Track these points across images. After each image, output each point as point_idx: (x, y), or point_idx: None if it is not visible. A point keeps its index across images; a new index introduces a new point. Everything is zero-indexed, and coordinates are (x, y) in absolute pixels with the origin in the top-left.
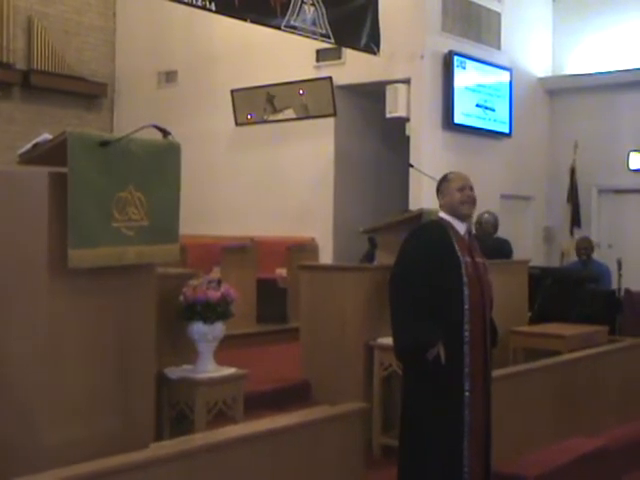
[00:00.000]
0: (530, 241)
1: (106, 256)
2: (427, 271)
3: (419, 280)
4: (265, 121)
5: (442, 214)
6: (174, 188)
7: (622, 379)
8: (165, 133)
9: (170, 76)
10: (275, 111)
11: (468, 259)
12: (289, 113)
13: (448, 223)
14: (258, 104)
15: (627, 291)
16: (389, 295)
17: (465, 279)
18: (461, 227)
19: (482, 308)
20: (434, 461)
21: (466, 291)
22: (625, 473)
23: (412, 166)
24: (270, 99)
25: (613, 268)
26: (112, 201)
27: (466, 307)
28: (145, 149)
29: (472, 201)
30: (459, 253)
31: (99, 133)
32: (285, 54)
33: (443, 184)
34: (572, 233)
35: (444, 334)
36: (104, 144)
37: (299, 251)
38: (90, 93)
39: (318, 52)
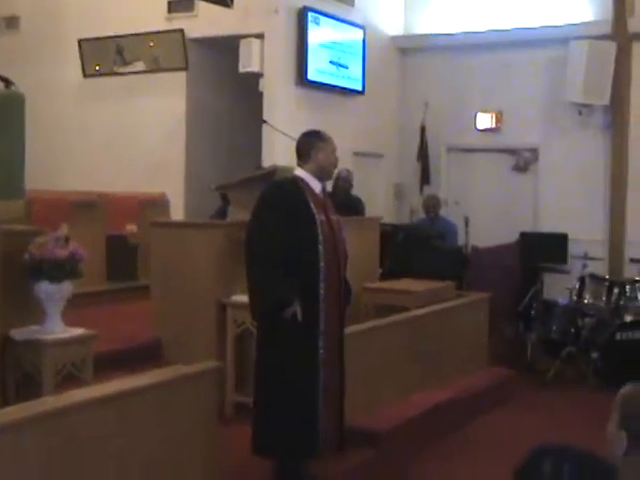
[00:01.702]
0: (381, 198)
1: None
2: (282, 229)
3: (274, 239)
4: (114, 73)
5: (299, 172)
6: (18, 141)
7: (468, 333)
8: (8, 83)
9: (12, 22)
10: (125, 63)
11: (323, 217)
12: (139, 65)
13: (303, 181)
14: (107, 55)
15: (474, 248)
16: (245, 253)
17: (320, 237)
18: (317, 185)
19: (337, 266)
20: (289, 419)
21: (321, 249)
22: (470, 421)
23: (266, 122)
24: (119, 50)
25: (460, 225)
26: None
27: (321, 265)
28: None
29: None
30: (314, 211)
31: None
32: (136, 4)
33: (319, 143)
34: (422, 190)
35: (300, 292)
36: None
37: (150, 207)
38: None
39: (170, 3)
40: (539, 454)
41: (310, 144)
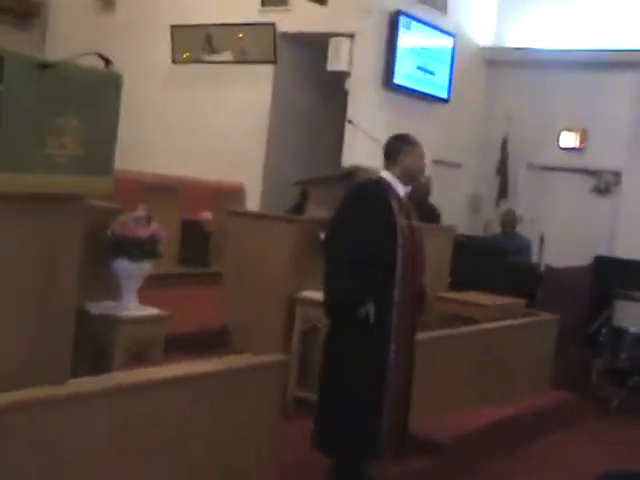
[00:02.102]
0: (457, 208)
1: (35, 183)
2: (363, 231)
3: (355, 239)
4: (202, 61)
5: (385, 174)
6: (112, 120)
7: (534, 352)
8: (107, 62)
9: (108, 3)
10: (212, 52)
11: (404, 222)
12: (227, 55)
13: (388, 184)
14: (196, 43)
15: (548, 267)
16: (324, 252)
17: (400, 241)
18: (401, 189)
19: (414, 271)
20: (353, 419)
21: (400, 253)
22: (531, 441)
23: (351, 122)
24: (209, 39)
25: (535, 243)
26: (46, 127)
27: (398, 269)
28: (85, 77)
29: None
30: (396, 215)
31: (36, 55)
32: None
33: (407, 146)
34: (498, 204)
35: (375, 294)
36: (43, 67)
37: (227, 196)
38: (22, 11)
39: None
40: (605, 477)
41: (398, 147)
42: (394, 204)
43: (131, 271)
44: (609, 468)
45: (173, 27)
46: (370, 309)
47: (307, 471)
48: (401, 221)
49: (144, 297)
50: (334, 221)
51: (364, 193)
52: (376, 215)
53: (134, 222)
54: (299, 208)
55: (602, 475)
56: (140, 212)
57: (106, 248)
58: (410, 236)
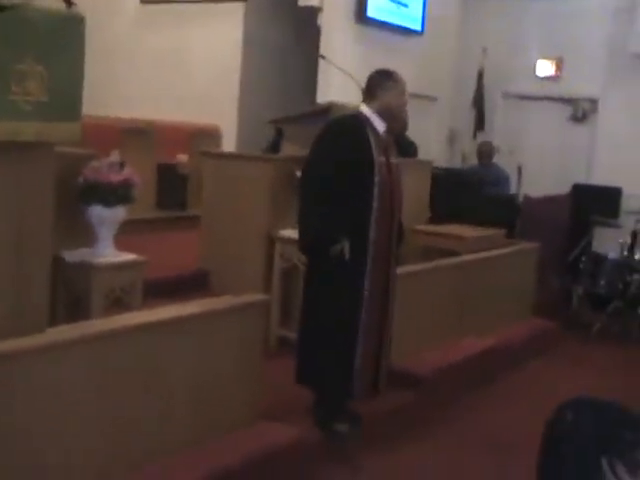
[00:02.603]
0: (434, 142)
1: (1, 131)
2: (340, 167)
3: (331, 176)
4: (172, 0)
5: (364, 109)
6: (77, 64)
7: (515, 282)
8: (69, 3)
9: None
10: None
11: (383, 158)
12: None
13: (367, 119)
14: None
15: (526, 197)
16: (299, 189)
17: (377, 178)
18: (381, 125)
19: (391, 208)
20: (328, 356)
21: (376, 191)
22: (512, 370)
23: (324, 57)
24: None
25: (513, 173)
26: (8, 73)
27: (374, 206)
28: (47, 19)
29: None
30: (374, 152)
31: None
32: None
33: (389, 82)
34: (475, 136)
35: (350, 231)
36: (0, 9)
37: (202, 138)
38: None
39: None
40: (565, 406)
41: (380, 82)
42: (372, 140)
43: (105, 217)
44: (570, 397)
45: None
46: (345, 246)
47: (292, 408)
48: (379, 157)
49: (121, 243)
50: (309, 158)
51: (341, 128)
52: (353, 150)
53: (107, 167)
54: (275, 147)
55: (562, 405)
56: (114, 157)
57: (79, 195)
58: (388, 173)
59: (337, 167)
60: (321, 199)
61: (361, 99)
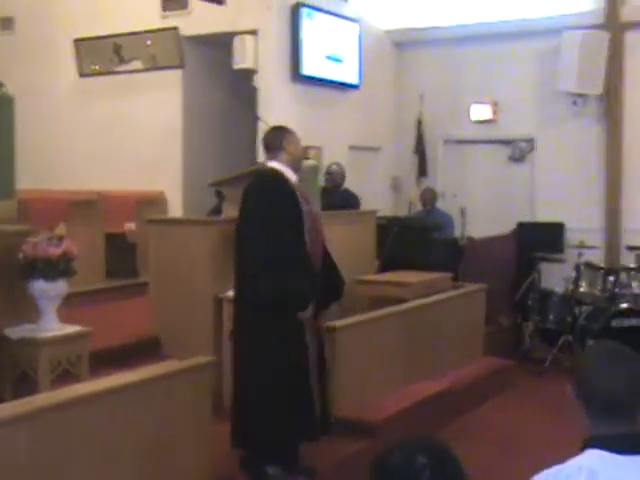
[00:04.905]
0: (379, 191)
1: None
2: (279, 225)
3: (274, 235)
4: (112, 72)
5: (275, 164)
6: (9, 142)
7: (464, 323)
8: None
9: (6, 23)
10: (123, 62)
11: (306, 207)
12: (137, 64)
13: (282, 173)
14: (104, 55)
15: (469, 239)
16: (242, 249)
17: (305, 226)
18: (293, 176)
19: (318, 256)
20: (284, 408)
21: (308, 238)
22: (466, 411)
23: (259, 118)
24: (117, 49)
25: (457, 217)
26: None
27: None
28: None
29: None
30: (301, 203)
31: None
32: (131, 2)
33: (288, 136)
34: (419, 183)
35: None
36: None
37: (148, 205)
38: None
39: (164, 1)
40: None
41: (283, 135)
42: (296, 192)
43: (47, 291)
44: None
45: (76, 41)
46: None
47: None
48: (305, 207)
49: (73, 315)
50: (246, 220)
51: (270, 184)
52: (286, 204)
53: (45, 242)
54: (218, 210)
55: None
56: (60, 231)
57: (20, 270)
58: (312, 222)
59: (277, 225)
60: (275, 259)
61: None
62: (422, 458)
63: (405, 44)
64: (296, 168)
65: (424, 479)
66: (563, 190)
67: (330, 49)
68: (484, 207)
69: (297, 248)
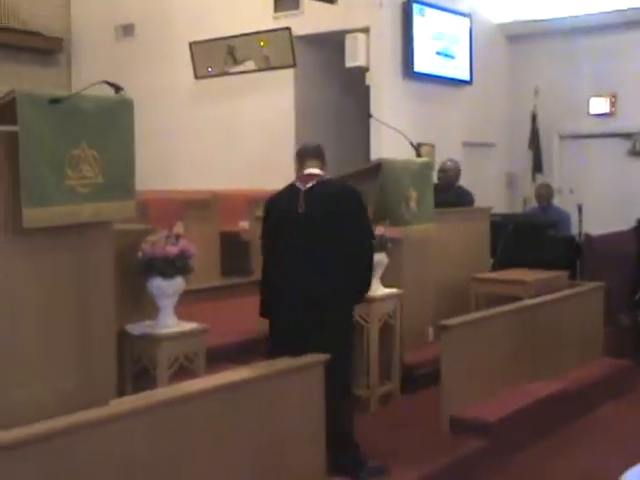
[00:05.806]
0: (493, 188)
1: (61, 215)
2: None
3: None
4: (226, 73)
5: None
6: (128, 144)
7: (582, 323)
8: (117, 89)
9: (127, 29)
10: (236, 63)
11: None
12: (250, 65)
13: None
14: (218, 56)
15: (586, 236)
16: (355, 246)
17: None
18: None
19: None
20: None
21: None
22: (584, 414)
23: (371, 116)
24: (231, 51)
25: (574, 213)
26: (65, 159)
27: None
28: (97, 106)
29: None
30: None
31: (49, 91)
32: (243, 4)
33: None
34: (534, 179)
35: None
36: (54, 102)
37: (260, 204)
38: (45, 48)
39: (276, 2)
40: None
41: (323, 153)
42: None
43: (165, 288)
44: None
45: (192, 43)
46: None
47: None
48: None
49: (189, 312)
50: (367, 222)
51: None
52: None
53: (164, 240)
54: None
55: None
56: (177, 230)
57: (139, 269)
58: None
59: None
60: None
61: (413, 155)
62: None
63: (518, 37)
64: None
65: None
66: None
67: (441, 45)
68: (602, 203)
69: None
